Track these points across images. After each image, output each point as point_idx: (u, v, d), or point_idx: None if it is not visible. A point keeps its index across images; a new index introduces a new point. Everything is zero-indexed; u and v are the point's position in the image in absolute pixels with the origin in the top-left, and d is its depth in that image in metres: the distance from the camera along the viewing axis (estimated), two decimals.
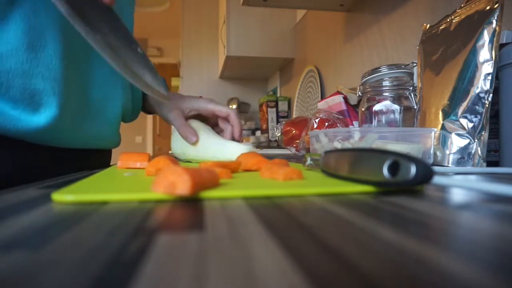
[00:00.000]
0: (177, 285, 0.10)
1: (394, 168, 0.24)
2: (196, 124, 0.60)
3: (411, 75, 0.73)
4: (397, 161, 0.24)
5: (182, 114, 0.62)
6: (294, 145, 0.99)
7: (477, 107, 0.50)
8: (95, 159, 0.64)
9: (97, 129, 0.59)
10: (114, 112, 0.62)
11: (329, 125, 0.81)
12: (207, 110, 0.63)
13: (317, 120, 0.83)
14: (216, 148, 0.51)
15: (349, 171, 0.29)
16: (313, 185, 0.28)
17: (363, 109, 0.74)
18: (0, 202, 0.23)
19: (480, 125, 0.50)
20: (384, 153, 0.25)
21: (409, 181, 0.23)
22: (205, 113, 0.64)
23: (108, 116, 0.61)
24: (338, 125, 0.81)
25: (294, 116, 1.92)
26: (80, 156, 0.59)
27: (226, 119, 0.64)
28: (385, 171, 0.24)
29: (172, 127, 0.65)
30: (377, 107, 0.70)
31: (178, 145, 0.59)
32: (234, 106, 2.35)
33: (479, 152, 0.50)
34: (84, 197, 0.23)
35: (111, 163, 0.75)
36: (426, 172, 0.23)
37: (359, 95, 0.77)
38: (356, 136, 0.51)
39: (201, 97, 0.67)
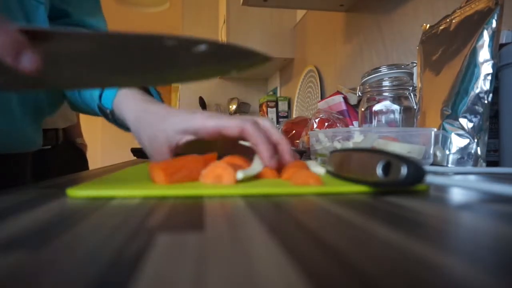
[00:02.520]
0: (177, 285, 0.10)
1: (387, 169, 0.24)
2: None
3: (411, 75, 0.73)
4: (390, 161, 0.24)
5: (168, 145, 0.38)
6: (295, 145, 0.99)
7: (477, 107, 0.50)
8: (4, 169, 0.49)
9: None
10: (19, 100, 0.45)
11: (329, 125, 0.81)
12: (208, 130, 0.37)
13: (317, 120, 0.83)
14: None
15: (348, 172, 0.29)
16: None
17: (363, 109, 0.74)
18: (4, 201, 0.23)
19: (480, 125, 0.50)
20: (378, 154, 0.25)
21: (400, 181, 0.23)
22: (206, 136, 0.38)
23: (13, 110, 0.44)
24: (338, 125, 0.81)
25: (294, 116, 1.92)
26: None
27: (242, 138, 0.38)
28: (379, 171, 0.24)
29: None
30: (377, 107, 0.70)
31: None
32: (234, 106, 2.35)
33: (479, 152, 0.50)
34: (93, 193, 0.24)
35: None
36: (417, 172, 0.23)
37: (359, 95, 0.77)
38: (356, 136, 0.51)
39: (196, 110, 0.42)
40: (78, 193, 0.24)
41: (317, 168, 0.36)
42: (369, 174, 0.25)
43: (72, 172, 0.51)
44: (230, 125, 0.36)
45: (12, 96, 0.44)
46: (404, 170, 0.23)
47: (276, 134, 0.38)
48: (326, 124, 0.82)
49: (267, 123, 0.38)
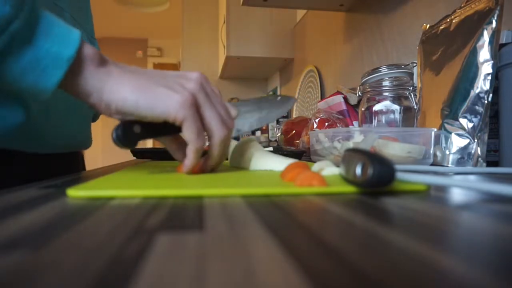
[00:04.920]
0: (177, 285, 0.10)
1: (365, 170, 0.25)
2: (249, 144, 0.49)
3: (411, 75, 0.73)
4: (364, 162, 0.25)
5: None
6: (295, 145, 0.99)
7: (477, 107, 0.50)
8: (66, 163, 0.56)
9: (71, 128, 0.53)
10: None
11: (329, 125, 0.81)
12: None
13: (317, 120, 0.83)
14: (271, 166, 0.44)
15: (346, 173, 0.30)
16: None
17: (363, 109, 0.74)
18: (4, 201, 0.23)
19: (480, 125, 0.50)
20: (360, 155, 0.26)
21: (368, 181, 0.24)
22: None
23: (83, 112, 0.55)
24: (338, 125, 0.81)
25: (294, 116, 1.92)
26: (46, 161, 0.50)
27: None
28: (358, 172, 0.25)
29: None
30: (377, 107, 0.70)
31: (236, 160, 0.49)
32: None
33: (479, 152, 0.50)
34: (93, 193, 0.24)
35: (86, 167, 0.68)
36: (383, 173, 0.23)
37: (359, 95, 0.77)
38: (356, 136, 0.51)
39: None
40: (78, 193, 0.24)
41: (331, 169, 0.36)
42: (352, 175, 0.26)
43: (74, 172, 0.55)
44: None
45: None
46: (370, 171, 0.23)
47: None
48: (326, 124, 0.82)
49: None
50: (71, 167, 0.58)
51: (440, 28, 0.62)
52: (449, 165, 0.52)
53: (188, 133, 0.35)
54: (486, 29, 0.50)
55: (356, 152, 0.28)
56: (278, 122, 1.97)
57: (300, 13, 2.01)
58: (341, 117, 0.87)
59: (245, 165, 0.47)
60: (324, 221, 0.17)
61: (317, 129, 0.82)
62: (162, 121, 0.34)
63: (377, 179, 0.23)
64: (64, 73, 0.31)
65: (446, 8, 0.81)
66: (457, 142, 0.52)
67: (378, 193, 0.26)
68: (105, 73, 0.33)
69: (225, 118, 0.37)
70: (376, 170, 0.23)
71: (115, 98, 0.33)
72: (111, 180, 0.31)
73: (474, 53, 0.51)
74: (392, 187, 0.26)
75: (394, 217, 0.18)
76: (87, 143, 0.59)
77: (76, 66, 0.32)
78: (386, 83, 0.70)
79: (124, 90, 0.33)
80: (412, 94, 0.69)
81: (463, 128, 0.51)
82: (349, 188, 0.27)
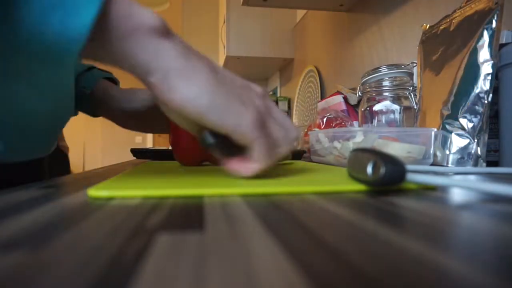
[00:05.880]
0: (177, 284, 0.10)
1: (376, 169, 0.25)
2: None
3: (411, 75, 0.73)
4: (376, 161, 0.25)
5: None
6: None
7: (477, 107, 0.50)
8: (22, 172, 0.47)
9: (25, 142, 0.45)
10: (46, 121, 0.47)
11: (337, 124, 0.80)
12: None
13: (324, 120, 0.82)
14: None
15: (354, 171, 0.30)
16: (312, 183, 0.28)
17: (363, 109, 0.74)
18: (4, 201, 0.23)
19: (480, 125, 0.50)
20: (371, 154, 0.27)
21: (380, 180, 0.24)
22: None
23: (39, 126, 0.46)
24: (347, 124, 0.81)
25: (294, 116, 1.92)
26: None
27: None
28: (368, 170, 0.26)
29: None
30: (377, 107, 0.70)
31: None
32: None
33: (479, 152, 0.50)
34: (114, 193, 0.24)
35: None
36: (395, 172, 0.24)
37: (359, 95, 0.77)
38: (357, 136, 0.51)
39: None
40: (100, 193, 0.24)
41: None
42: (363, 174, 0.27)
43: (57, 175, 0.49)
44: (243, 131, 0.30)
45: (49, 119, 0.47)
46: (382, 170, 0.24)
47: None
48: (333, 124, 0.81)
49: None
50: (33, 174, 0.51)
51: (440, 28, 0.62)
52: (449, 165, 0.52)
53: (257, 154, 0.31)
54: (486, 29, 0.50)
55: (366, 151, 0.29)
56: None
57: (300, 13, 2.01)
58: (347, 116, 0.87)
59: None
60: (324, 220, 0.17)
61: (317, 129, 0.82)
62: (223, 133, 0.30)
63: (389, 178, 0.24)
64: (98, 8, 0.23)
65: (446, 8, 0.81)
66: (457, 142, 0.52)
67: (379, 192, 0.26)
68: (170, 49, 0.27)
69: (287, 134, 0.33)
70: (388, 169, 0.24)
71: (185, 90, 0.27)
72: (128, 180, 0.31)
73: (474, 53, 0.51)
74: (400, 186, 0.27)
75: (393, 216, 0.18)
76: (42, 151, 0.51)
77: (125, 23, 0.26)
78: (386, 83, 0.70)
79: (197, 83, 0.27)
80: (412, 94, 0.69)
81: (463, 128, 0.51)
82: (348, 187, 0.27)
